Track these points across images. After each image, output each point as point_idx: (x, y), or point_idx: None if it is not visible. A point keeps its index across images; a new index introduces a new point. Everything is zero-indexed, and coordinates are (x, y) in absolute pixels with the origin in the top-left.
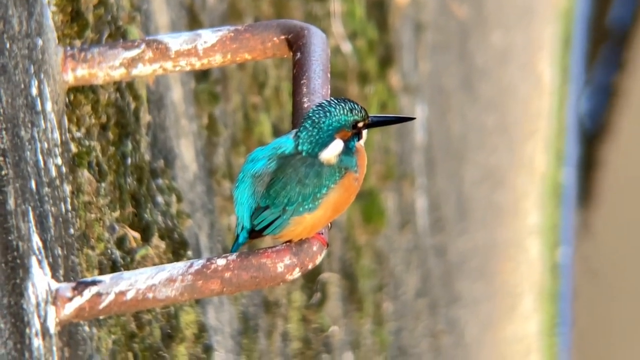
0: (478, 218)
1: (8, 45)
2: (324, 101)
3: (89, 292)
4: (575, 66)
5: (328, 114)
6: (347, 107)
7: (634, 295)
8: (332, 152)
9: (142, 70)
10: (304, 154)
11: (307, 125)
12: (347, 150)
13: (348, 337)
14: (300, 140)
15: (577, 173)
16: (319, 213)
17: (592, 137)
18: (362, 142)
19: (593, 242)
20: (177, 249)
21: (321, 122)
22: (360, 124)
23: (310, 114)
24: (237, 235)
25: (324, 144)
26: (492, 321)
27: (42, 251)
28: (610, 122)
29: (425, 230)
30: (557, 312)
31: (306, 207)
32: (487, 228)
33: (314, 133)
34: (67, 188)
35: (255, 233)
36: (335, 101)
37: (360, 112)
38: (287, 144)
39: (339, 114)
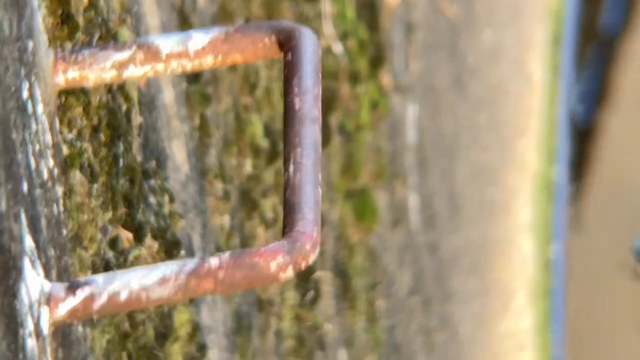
0: (470, 215)
1: None
2: None
3: (82, 293)
4: (566, 64)
5: None
6: None
7: (625, 291)
8: None
9: (134, 72)
10: None
11: None
12: None
13: (341, 334)
14: None
15: (568, 170)
16: None
17: (583, 134)
18: None
19: (585, 238)
20: (170, 249)
21: None
22: None
23: None
24: None
25: None
26: (486, 317)
27: (35, 252)
28: (601, 120)
29: (417, 228)
30: (550, 308)
31: None
32: (479, 225)
33: None
34: (59, 190)
35: None
36: None
37: None
38: None
39: None
